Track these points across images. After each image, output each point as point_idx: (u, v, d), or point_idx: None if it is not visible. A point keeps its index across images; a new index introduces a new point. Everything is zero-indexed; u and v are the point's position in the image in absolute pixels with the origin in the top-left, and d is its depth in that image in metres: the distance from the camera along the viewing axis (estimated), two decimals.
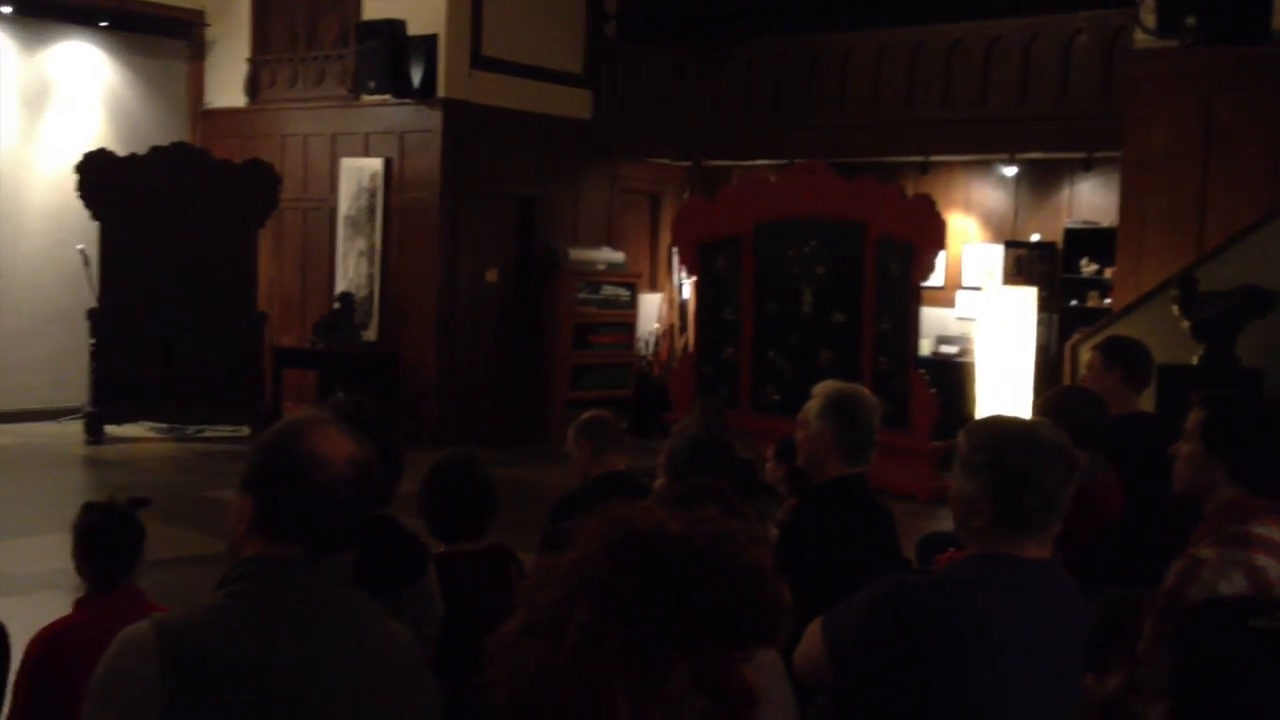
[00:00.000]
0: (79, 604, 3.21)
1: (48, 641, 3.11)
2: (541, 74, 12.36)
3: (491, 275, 12.37)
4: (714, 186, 12.74)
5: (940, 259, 10.75)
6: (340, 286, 12.29)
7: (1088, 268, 12.01)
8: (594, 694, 1.05)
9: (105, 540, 3.17)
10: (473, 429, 11.44)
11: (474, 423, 11.71)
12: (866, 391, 3.68)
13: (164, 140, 12.25)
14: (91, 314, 11.30)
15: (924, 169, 11.98)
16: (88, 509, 3.26)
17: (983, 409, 10.55)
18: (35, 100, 12.39)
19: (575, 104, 12.80)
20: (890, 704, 2.40)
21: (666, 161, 13.66)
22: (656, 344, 13.80)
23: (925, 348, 11.71)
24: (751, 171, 12.99)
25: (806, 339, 10.75)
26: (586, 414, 4.42)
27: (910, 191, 11.15)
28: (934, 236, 10.02)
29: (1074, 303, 12.03)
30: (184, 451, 11.15)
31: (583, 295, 12.63)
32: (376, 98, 11.86)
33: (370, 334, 12.14)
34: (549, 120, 12.43)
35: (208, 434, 11.73)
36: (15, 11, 12.04)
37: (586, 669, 1.06)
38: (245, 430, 11.63)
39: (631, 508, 1.16)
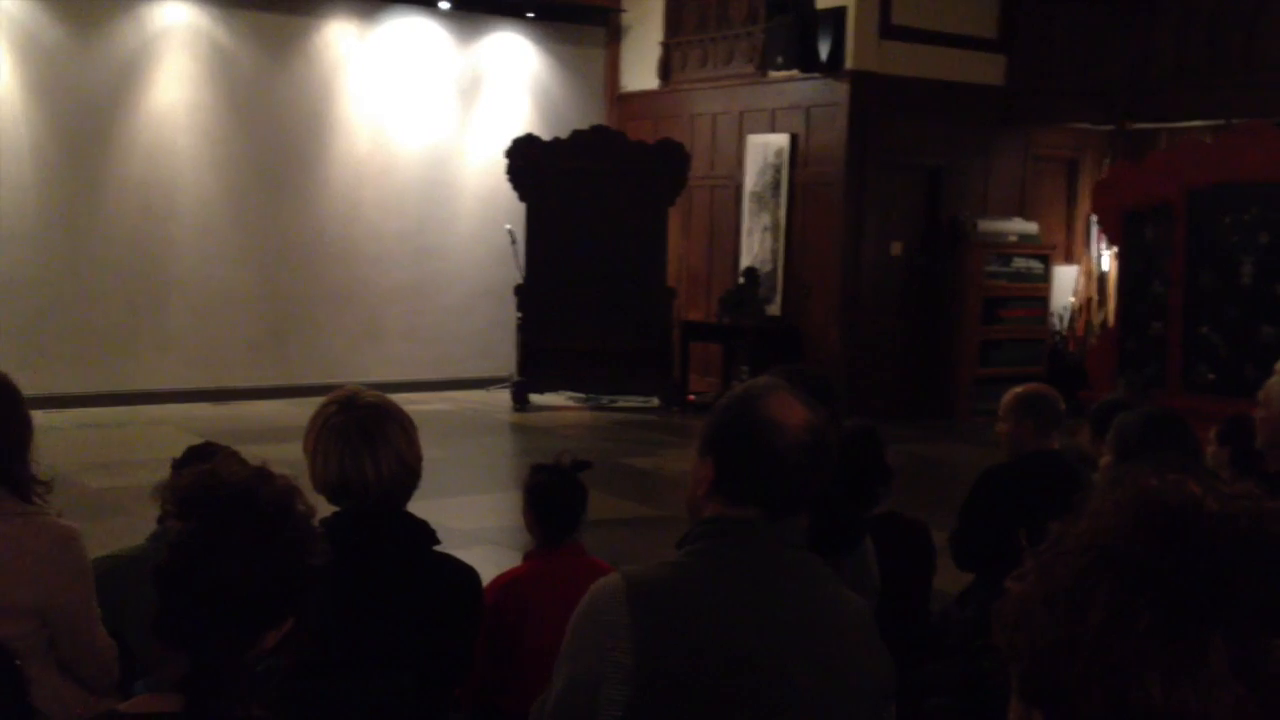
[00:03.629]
0: (528, 557, 3.42)
1: (501, 590, 3.33)
2: (952, 40, 12.01)
3: (896, 248, 12.19)
4: (1139, 151, 11.93)
5: None
6: (745, 262, 12.49)
7: None
8: (1123, 672, 0.99)
9: (552, 500, 3.35)
10: (876, 403, 11.32)
11: (877, 397, 11.59)
12: None
13: (584, 124, 12.86)
14: (518, 289, 12.06)
15: None
16: (536, 471, 3.45)
17: None
18: (469, 90, 13.31)
19: (987, 69, 12.35)
20: None
21: (1086, 126, 12.93)
22: (1072, 319, 13.14)
23: None
24: (1183, 134, 12.08)
25: (1245, 313, 9.90)
26: (1027, 387, 4.22)
27: None
28: None
29: None
30: (599, 420, 11.70)
31: (992, 268, 12.24)
32: (783, 73, 11.94)
33: (774, 309, 12.26)
34: (959, 88, 12.06)
35: (620, 404, 12.25)
36: (453, 7, 13.00)
37: (1115, 646, 0.99)
38: (655, 402, 12.06)
39: (1161, 480, 1.08)
